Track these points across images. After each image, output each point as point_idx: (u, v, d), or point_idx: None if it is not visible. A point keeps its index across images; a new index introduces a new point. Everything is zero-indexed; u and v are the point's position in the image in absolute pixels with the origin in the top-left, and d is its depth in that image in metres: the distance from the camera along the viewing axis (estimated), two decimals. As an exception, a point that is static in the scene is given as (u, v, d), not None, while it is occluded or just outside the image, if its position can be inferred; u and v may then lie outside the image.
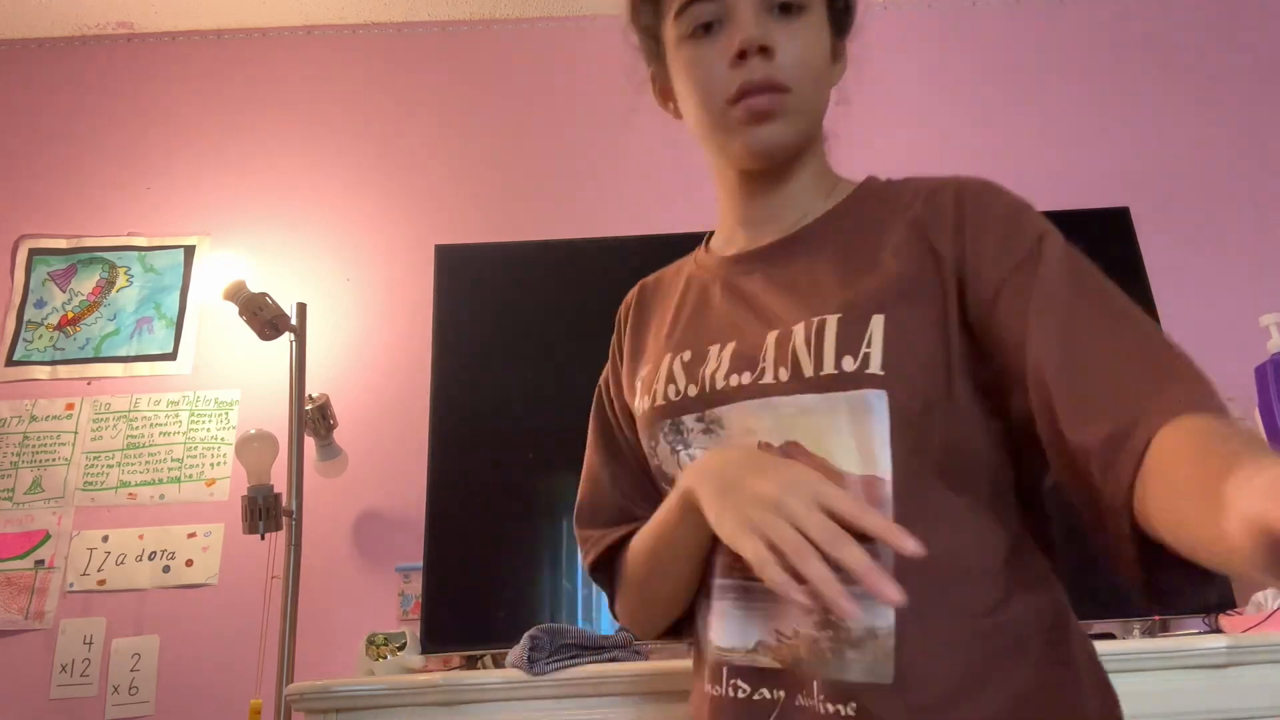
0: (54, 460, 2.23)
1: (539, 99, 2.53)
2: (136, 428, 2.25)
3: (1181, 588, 0.59)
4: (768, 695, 0.71)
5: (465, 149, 2.49)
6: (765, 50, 0.75)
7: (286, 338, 1.94)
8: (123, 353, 2.33)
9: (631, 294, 0.99)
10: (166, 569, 2.12)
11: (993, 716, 0.66)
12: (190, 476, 2.21)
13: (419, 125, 2.52)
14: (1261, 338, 1.85)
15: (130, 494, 2.20)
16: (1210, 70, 2.52)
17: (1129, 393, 0.60)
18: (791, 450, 0.72)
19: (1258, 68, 2.52)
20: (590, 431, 0.98)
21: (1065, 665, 0.71)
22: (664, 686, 1.38)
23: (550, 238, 2.09)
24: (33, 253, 2.43)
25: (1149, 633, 1.64)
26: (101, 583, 2.12)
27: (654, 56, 0.88)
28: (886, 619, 0.67)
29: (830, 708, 0.67)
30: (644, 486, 0.90)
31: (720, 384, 0.77)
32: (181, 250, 2.43)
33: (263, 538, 1.78)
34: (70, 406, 2.28)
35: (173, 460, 2.22)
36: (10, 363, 2.32)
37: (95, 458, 2.23)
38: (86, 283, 2.40)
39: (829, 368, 0.71)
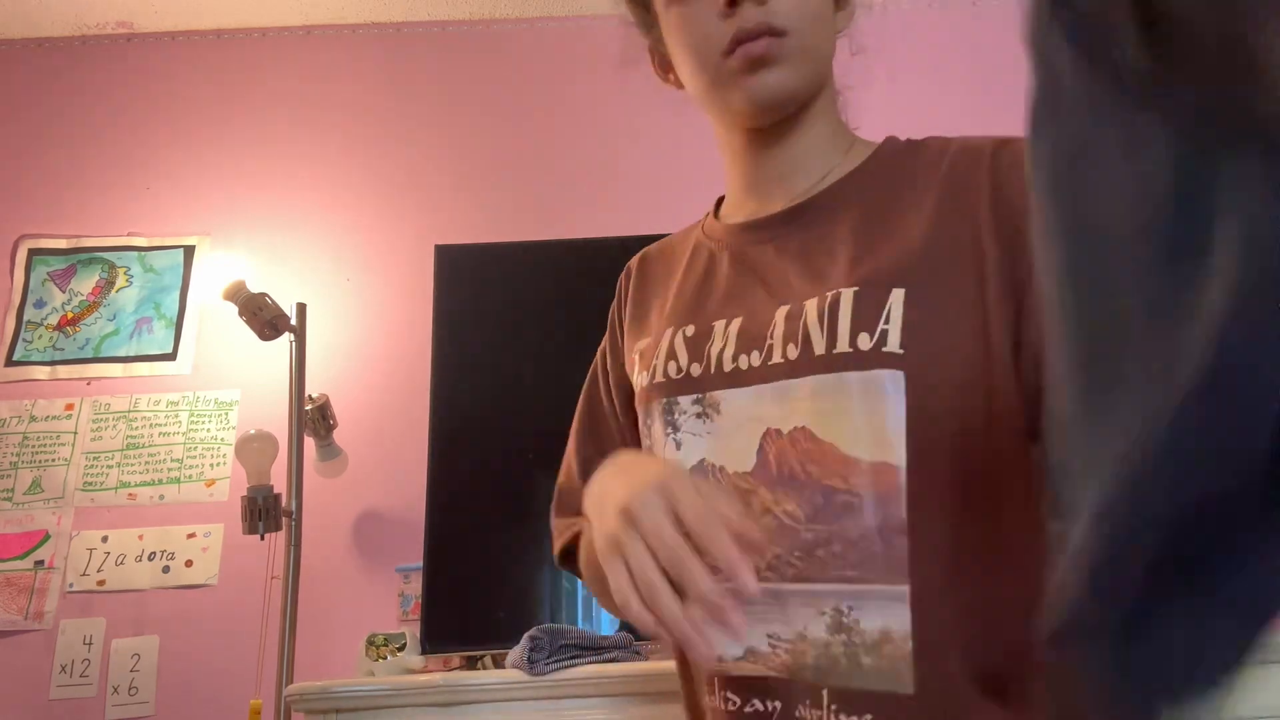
0: (54, 460, 2.23)
1: (539, 99, 2.53)
2: (136, 428, 2.25)
3: None
4: (760, 707, 0.65)
5: (465, 149, 2.49)
6: None
7: (286, 338, 1.94)
8: (122, 353, 2.33)
9: (633, 261, 0.92)
10: (166, 569, 2.12)
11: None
12: (190, 477, 2.21)
13: (419, 125, 2.52)
14: (1262, 338, 1.85)
15: (130, 494, 2.20)
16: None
17: None
18: (798, 436, 0.66)
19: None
20: (577, 408, 0.93)
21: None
22: (664, 687, 1.38)
23: (550, 238, 2.09)
24: (32, 253, 2.43)
25: (1149, 633, 1.64)
26: (101, 583, 2.11)
27: (647, 27, 0.83)
28: (901, 619, 0.61)
29: (843, 719, 0.62)
30: None
31: (728, 366, 0.71)
32: (181, 250, 2.43)
33: (262, 538, 1.78)
34: (70, 407, 2.28)
35: (172, 460, 2.22)
36: (10, 363, 2.32)
37: (95, 458, 2.23)
38: (86, 283, 2.40)
39: (843, 345, 0.65)
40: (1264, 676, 1.37)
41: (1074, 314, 0.33)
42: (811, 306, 0.69)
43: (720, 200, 0.88)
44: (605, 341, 0.93)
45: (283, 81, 2.58)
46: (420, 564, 1.78)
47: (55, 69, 2.60)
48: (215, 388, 2.29)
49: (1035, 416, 0.65)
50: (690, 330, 0.76)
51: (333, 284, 2.36)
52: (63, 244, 2.43)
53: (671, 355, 0.76)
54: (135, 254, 2.42)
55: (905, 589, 0.61)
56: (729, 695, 0.67)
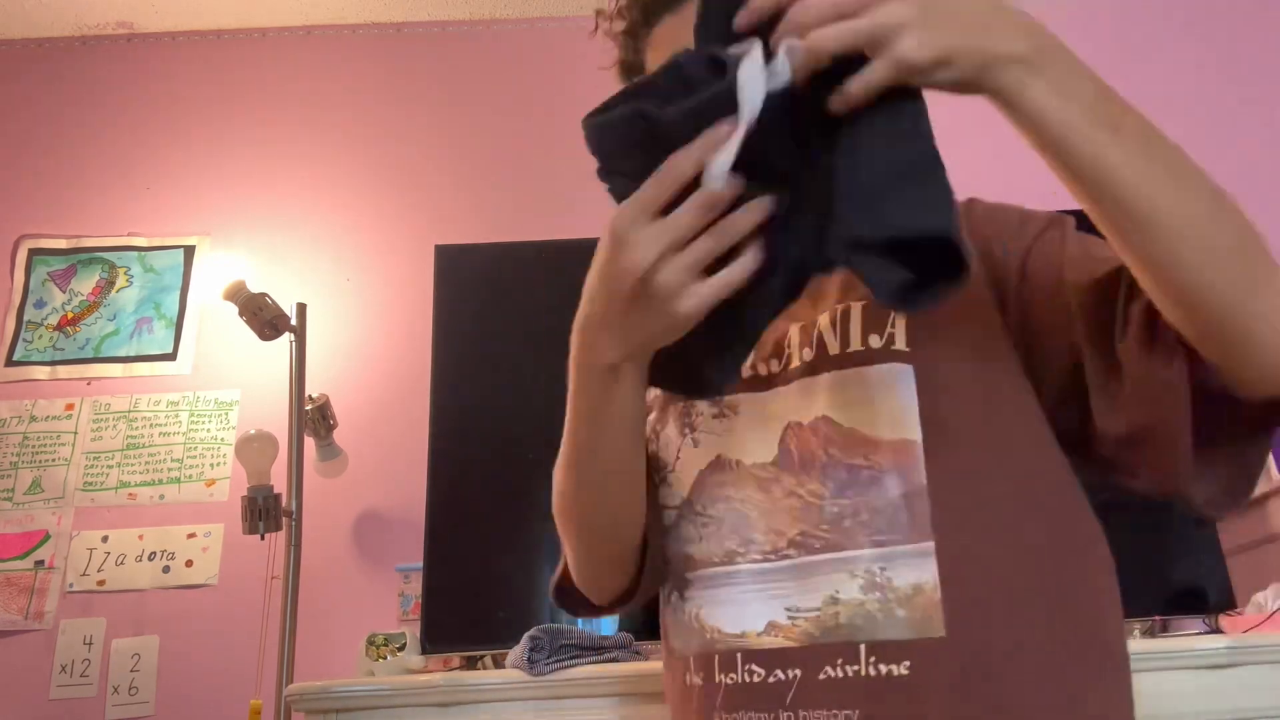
0: (54, 460, 2.23)
1: (539, 99, 2.52)
2: (136, 428, 2.25)
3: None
4: (783, 676, 0.70)
5: (465, 149, 2.49)
6: None
7: (286, 338, 1.94)
8: (123, 353, 2.33)
9: None
10: (166, 569, 2.12)
11: (1048, 667, 0.67)
12: (190, 477, 2.21)
13: (419, 125, 2.52)
14: (1262, 338, 1.85)
15: (130, 494, 2.20)
16: (1211, 69, 2.52)
17: None
18: (819, 425, 0.73)
19: (1259, 67, 2.52)
20: None
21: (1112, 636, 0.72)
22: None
23: (550, 238, 2.09)
24: (33, 253, 2.43)
25: (1149, 633, 1.64)
26: (101, 583, 2.11)
27: None
28: (930, 571, 0.67)
29: (882, 669, 0.66)
30: None
31: (747, 373, 0.78)
32: (181, 250, 2.43)
33: (263, 538, 1.78)
34: (70, 407, 2.28)
35: (173, 460, 2.22)
36: (10, 363, 2.32)
37: (95, 458, 2.23)
38: (86, 283, 2.40)
39: (855, 345, 0.73)
40: (1264, 676, 1.37)
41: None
42: (824, 318, 0.77)
43: None
44: None
45: (283, 81, 2.58)
46: (420, 564, 1.78)
47: (55, 69, 2.60)
48: (215, 388, 2.29)
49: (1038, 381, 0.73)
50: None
51: (333, 284, 2.36)
52: (63, 244, 2.43)
53: None
54: (135, 254, 2.42)
55: (931, 544, 0.68)
56: (754, 667, 0.71)
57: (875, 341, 0.73)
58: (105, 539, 2.15)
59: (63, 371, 2.31)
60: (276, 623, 1.80)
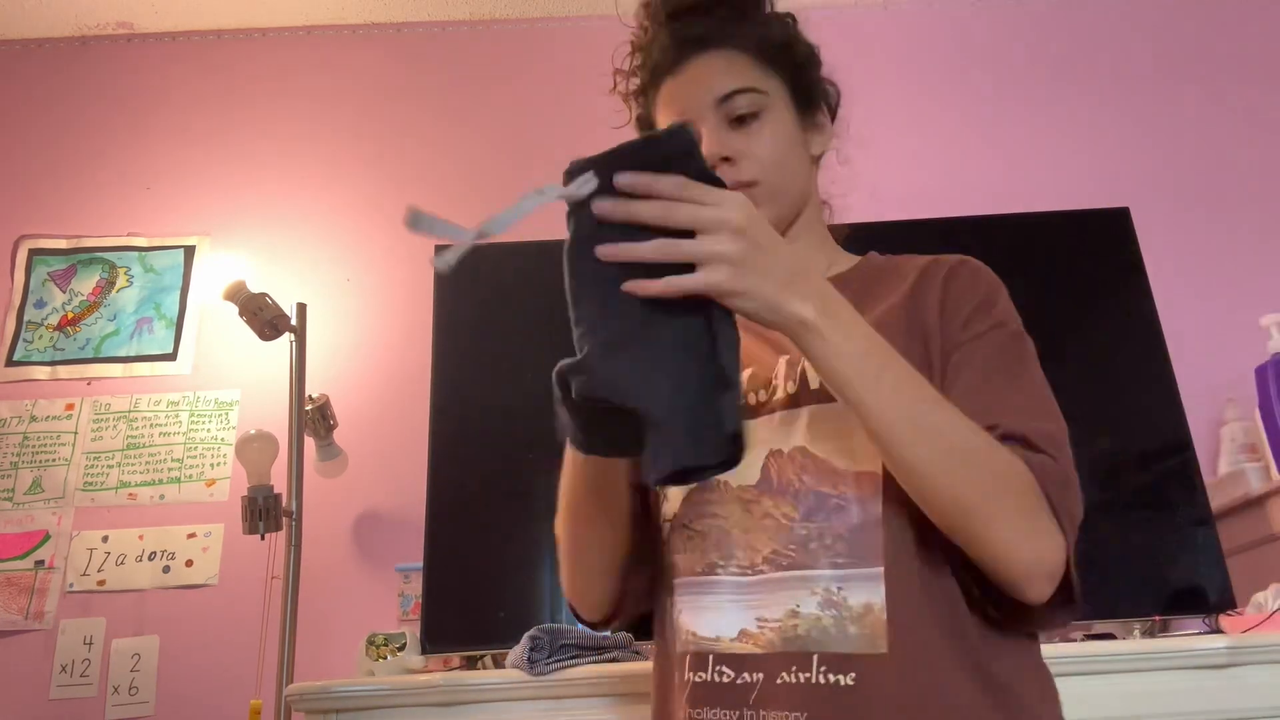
0: (54, 460, 2.23)
1: (539, 99, 2.52)
2: (136, 428, 2.25)
3: None
4: (748, 679, 0.77)
5: (465, 149, 2.49)
6: (728, 159, 0.87)
7: (286, 338, 1.94)
8: (123, 353, 2.33)
9: None
10: (166, 569, 2.12)
11: (977, 683, 0.75)
12: (190, 477, 2.21)
13: (419, 125, 2.52)
14: (1261, 338, 1.85)
15: (130, 494, 2.20)
16: (1211, 70, 2.52)
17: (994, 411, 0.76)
18: (796, 454, 0.81)
19: (1259, 67, 2.52)
20: None
21: (1035, 668, 0.81)
22: (664, 687, 1.38)
23: (550, 238, 2.09)
24: (33, 253, 2.43)
25: (1149, 633, 1.64)
26: (101, 583, 2.12)
27: None
28: (879, 594, 0.75)
29: (831, 678, 0.74)
30: None
31: (739, 401, 0.83)
32: (181, 250, 2.43)
33: (263, 538, 1.78)
34: (70, 407, 2.28)
35: (173, 460, 2.22)
36: (10, 363, 2.32)
37: (95, 458, 2.23)
38: (86, 283, 2.40)
39: None
40: (1264, 676, 1.37)
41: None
42: None
43: None
44: None
45: (283, 81, 2.58)
46: (420, 564, 1.78)
47: (55, 69, 2.60)
48: (215, 388, 2.29)
49: None
50: None
51: (333, 284, 2.36)
52: (63, 244, 2.43)
53: None
54: (135, 254, 2.42)
55: (880, 570, 0.76)
56: (724, 669, 0.79)
57: None
58: (105, 539, 2.15)
59: (63, 371, 2.31)
60: (276, 623, 1.80)
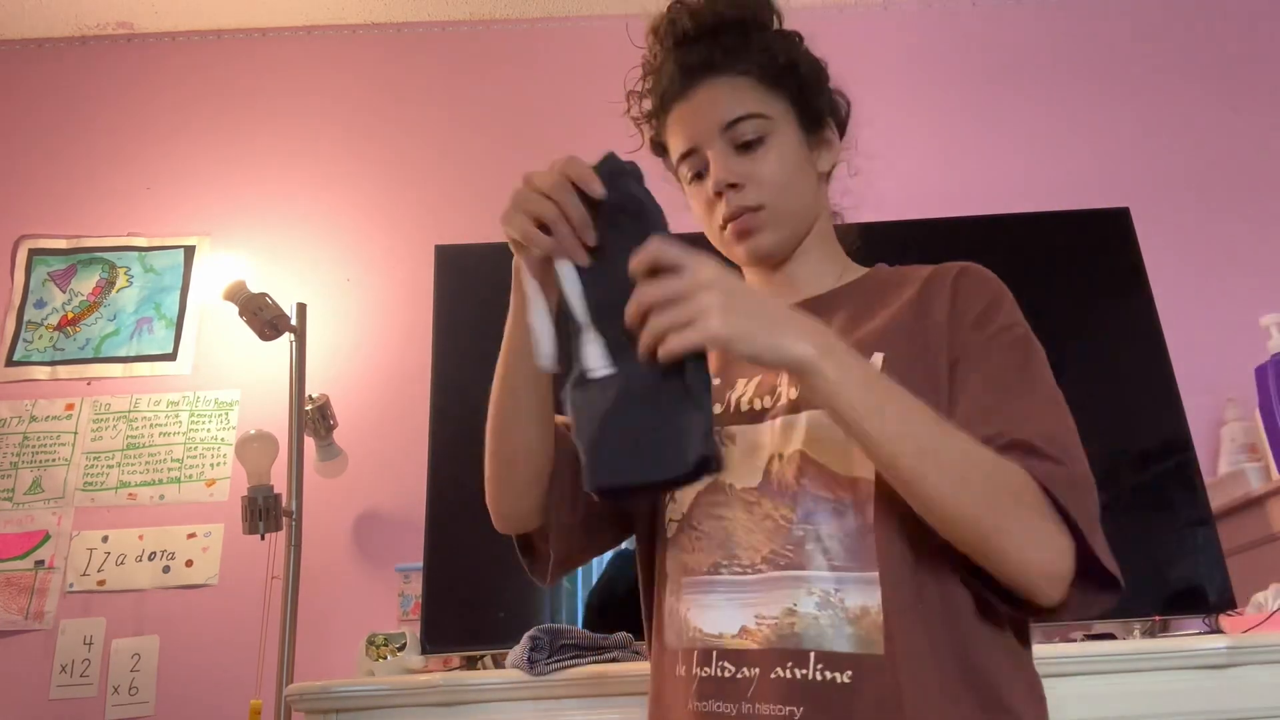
0: (54, 460, 2.23)
1: (539, 99, 2.52)
2: (136, 428, 2.25)
3: None
4: (746, 673, 0.80)
5: (465, 149, 2.49)
6: (734, 185, 0.90)
7: (286, 338, 1.94)
8: (123, 353, 2.33)
9: None
10: (166, 569, 2.12)
11: (967, 686, 0.77)
12: (190, 477, 2.21)
13: (419, 125, 2.52)
14: (1261, 338, 1.85)
15: (130, 494, 2.20)
16: (1211, 70, 2.52)
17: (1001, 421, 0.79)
18: (795, 458, 0.83)
19: (1259, 67, 2.52)
20: None
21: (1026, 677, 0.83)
22: (664, 687, 1.38)
23: (550, 238, 2.09)
24: (33, 253, 2.43)
25: (1149, 633, 1.64)
26: (101, 583, 2.12)
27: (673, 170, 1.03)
28: (875, 597, 0.77)
29: (827, 675, 0.76)
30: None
31: (745, 407, 0.89)
32: (181, 250, 2.43)
33: (263, 538, 1.78)
34: (70, 407, 2.28)
35: (173, 460, 2.22)
36: (10, 363, 2.32)
37: (95, 458, 2.23)
38: (86, 283, 2.40)
39: None
40: (1264, 676, 1.37)
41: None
42: None
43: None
44: None
45: (283, 81, 2.58)
46: (420, 564, 1.78)
47: (55, 69, 2.60)
48: (215, 388, 2.29)
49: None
50: (717, 380, 0.92)
51: (333, 284, 2.36)
52: (63, 244, 2.43)
53: None
54: (135, 254, 2.42)
55: (875, 574, 0.78)
56: (725, 665, 0.82)
57: None
58: (105, 539, 2.15)
59: (63, 371, 2.31)
60: (276, 623, 1.80)
